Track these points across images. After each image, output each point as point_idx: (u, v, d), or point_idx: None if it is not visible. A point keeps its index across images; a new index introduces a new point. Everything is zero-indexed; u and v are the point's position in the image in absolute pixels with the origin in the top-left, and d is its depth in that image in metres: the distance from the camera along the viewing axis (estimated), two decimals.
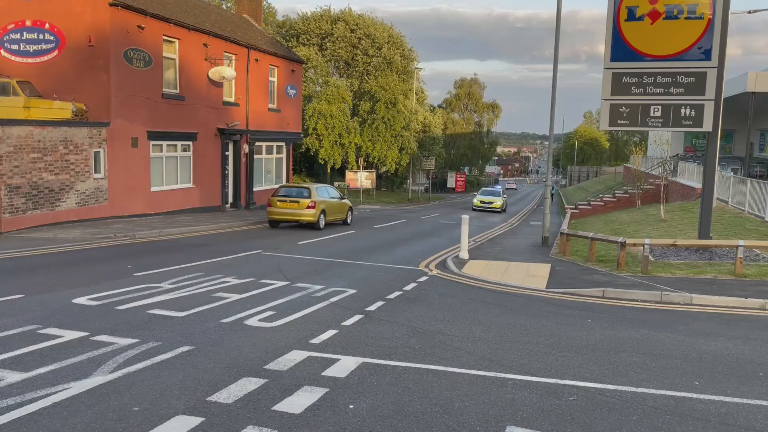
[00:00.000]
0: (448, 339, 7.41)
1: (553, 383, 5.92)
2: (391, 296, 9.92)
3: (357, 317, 8.29)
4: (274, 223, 21.24)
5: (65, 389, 5.17)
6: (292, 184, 24.72)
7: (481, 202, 41.23)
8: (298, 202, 20.61)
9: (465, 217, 15.71)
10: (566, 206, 38.38)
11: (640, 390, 5.83)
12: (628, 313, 9.50)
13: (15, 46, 19.26)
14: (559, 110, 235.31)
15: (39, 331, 6.85)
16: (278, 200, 20.80)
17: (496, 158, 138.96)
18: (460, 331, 7.81)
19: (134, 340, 6.65)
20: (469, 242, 15.99)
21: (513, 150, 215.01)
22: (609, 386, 5.90)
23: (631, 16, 14.26)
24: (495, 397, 5.49)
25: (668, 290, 10.89)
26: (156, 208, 21.15)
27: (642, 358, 6.91)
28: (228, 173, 25.68)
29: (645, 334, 8.10)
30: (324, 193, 22.00)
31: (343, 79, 48.88)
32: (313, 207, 20.51)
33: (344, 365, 6.13)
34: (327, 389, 5.44)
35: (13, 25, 19.21)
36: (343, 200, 23.78)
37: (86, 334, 6.82)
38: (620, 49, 14.40)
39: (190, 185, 23.23)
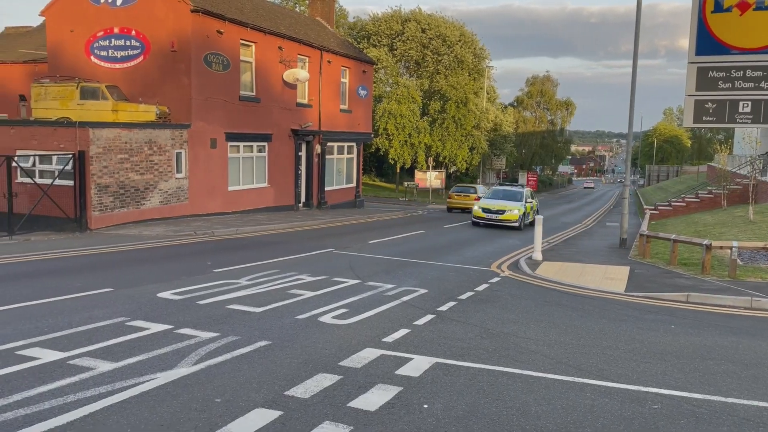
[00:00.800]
0: (523, 341, 7.28)
1: (635, 390, 5.71)
2: (463, 297, 9.84)
3: (429, 317, 8.27)
4: (450, 210, 32.01)
5: (152, 379, 5.42)
6: (463, 184, 35.52)
7: (484, 210, 24.06)
8: (468, 195, 31.51)
9: (539, 218, 15.42)
10: (645, 207, 36.93)
11: (730, 400, 5.54)
12: (715, 319, 9.04)
13: (104, 53, 20.35)
14: (637, 107, 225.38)
15: (127, 323, 7.21)
16: (455, 194, 32.37)
17: (570, 157, 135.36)
18: (534, 334, 7.66)
19: (215, 334, 6.89)
20: (542, 243, 15.65)
21: (587, 149, 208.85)
22: (696, 395, 5.63)
23: (718, 7, 13.58)
24: (573, 402, 5.34)
25: (759, 296, 10.29)
26: (233, 207, 21.83)
27: (731, 367, 6.56)
28: (301, 173, 26.20)
29: (734, 341, 7.69)
30: (482, 191, 32.51)
31: (413, 79, 48.92)
32: (478, 200, 28.26)
33: (417, 365, 6.13)
34: (401, 388, 5.45)
35: (102, 33, 20.30)
36: None
37: (170, 327, 7.12)
38: (706, 42, 13.74)
39: (265, 185, 23.85)
